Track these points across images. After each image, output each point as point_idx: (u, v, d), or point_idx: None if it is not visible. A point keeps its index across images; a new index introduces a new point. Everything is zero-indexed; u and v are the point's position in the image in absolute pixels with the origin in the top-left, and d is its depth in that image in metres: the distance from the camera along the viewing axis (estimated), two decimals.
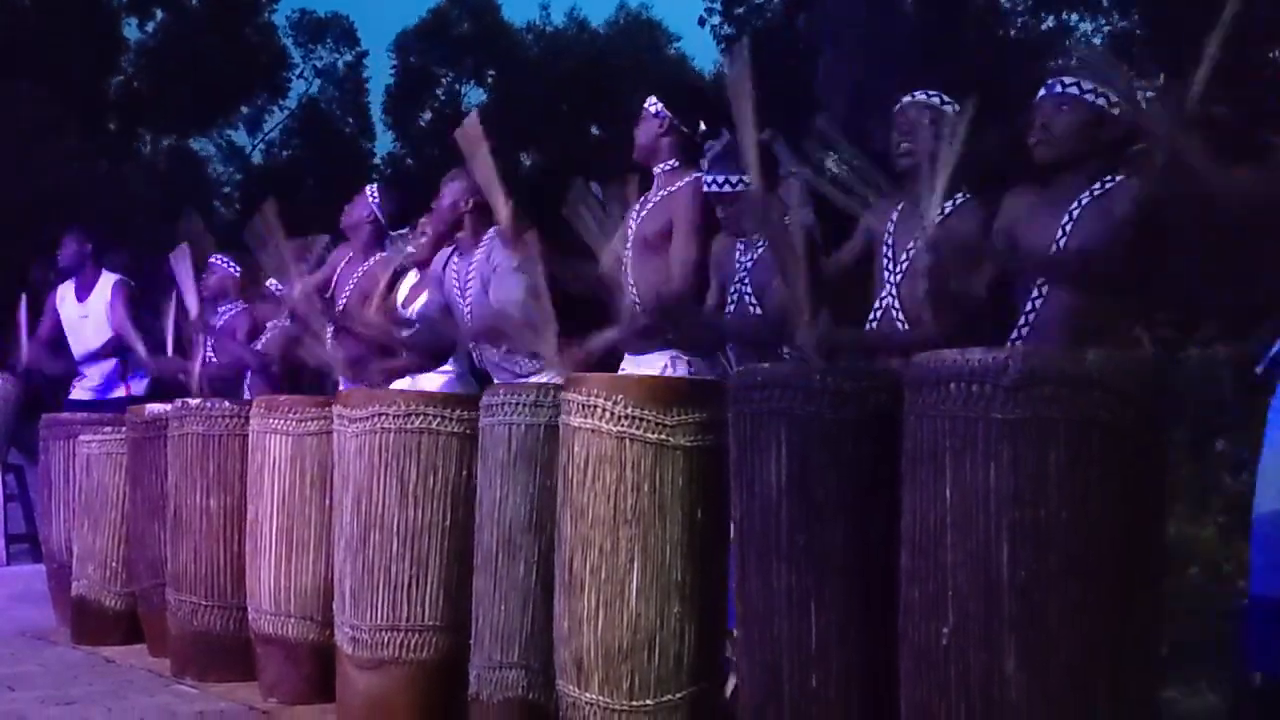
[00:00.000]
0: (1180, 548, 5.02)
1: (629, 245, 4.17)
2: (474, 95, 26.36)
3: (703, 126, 4.18)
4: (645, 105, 4.28)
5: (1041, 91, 3.24)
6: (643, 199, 4.24)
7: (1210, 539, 5.09)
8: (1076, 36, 16.17)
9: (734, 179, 3.78)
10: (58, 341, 6.95)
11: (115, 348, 6.80)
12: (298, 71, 25.58)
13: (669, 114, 4.20)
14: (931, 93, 3.50)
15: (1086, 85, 3.16)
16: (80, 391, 6.90)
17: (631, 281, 4.13)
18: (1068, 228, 3.14)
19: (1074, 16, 16.49)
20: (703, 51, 25.05)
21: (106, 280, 6.88)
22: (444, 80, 26.14)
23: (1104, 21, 16.31)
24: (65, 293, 6.95)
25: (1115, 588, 2.31)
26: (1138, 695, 2.36)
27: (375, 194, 5.52)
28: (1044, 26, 16.45)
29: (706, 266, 4.07)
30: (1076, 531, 2.29)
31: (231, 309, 6.45)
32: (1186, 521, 5.23)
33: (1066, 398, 2.30)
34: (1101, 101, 3.15)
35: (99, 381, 6.86)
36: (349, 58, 26.61)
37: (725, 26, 22.04)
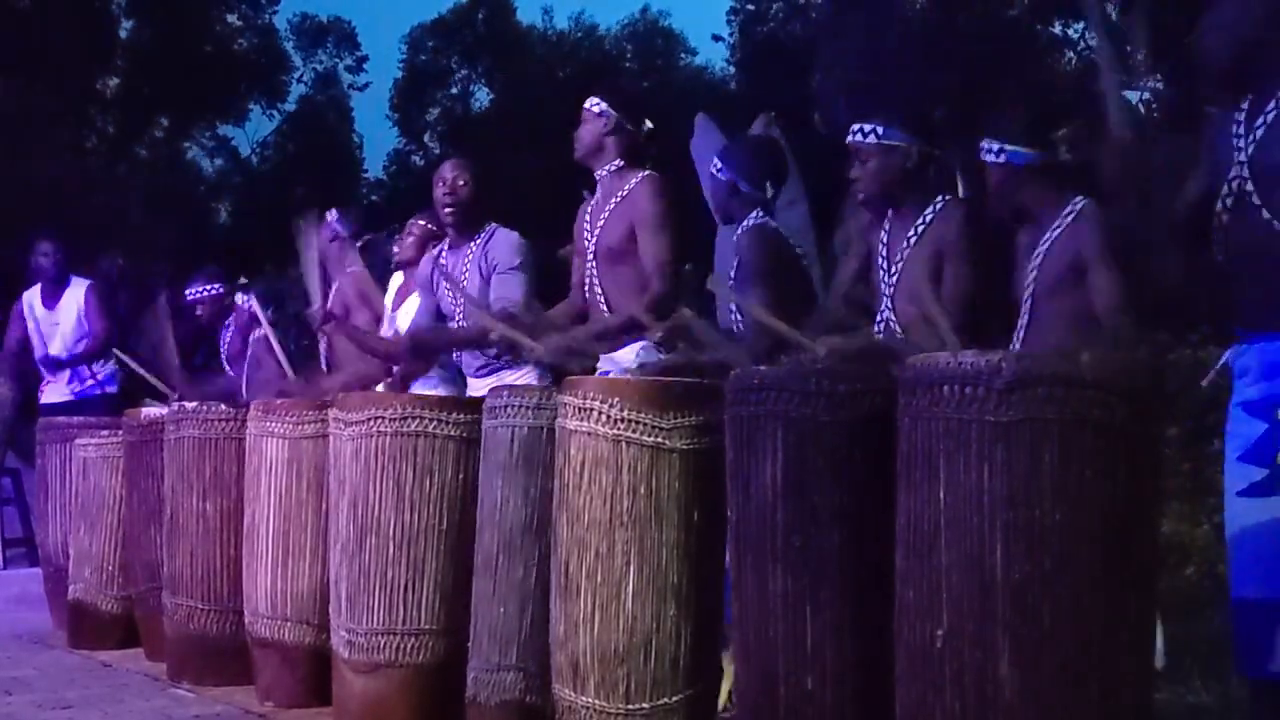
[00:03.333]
0: (1175, 547, 5.03)
1: (592, 256, 4.09)
2: (482, 95, 26.41)
3: (648, 124, 4.14)
4: (587, 105, 4.13)
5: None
6: (592, 206, 4.14)
7: (1205, 538, 5.10)
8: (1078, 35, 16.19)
9: (721, 170, 3.98)
10: (27, 347, 6.93)
11: (93, 352, 6.77)
12: (297, 74, 25.59)
13: (614, 113, 4.07)
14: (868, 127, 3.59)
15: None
16: (52, 394, 6.84)
17: (600, 292, 4.07)
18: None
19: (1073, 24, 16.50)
20: (718, 61, 24.97)
21: (78, 286, 6.85)
22: (456, 78, 26.12)
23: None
24: (32, 299, 6.90)
25: (1109, 588, 2.32)
26: (1132, 695, 2.37)
27: (335, 216, 5.53)
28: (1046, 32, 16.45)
29: (681, 260, 4.01)
30: (1070, 532, 2.29)
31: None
32: (1181, 521, 5.24)
33: (1059, 399, 2.31)
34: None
35: (68, 381, 6.83)
36: (349, 62, 26.61)
37: (737, 41, 22.21)
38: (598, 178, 4.14)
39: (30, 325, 6.88)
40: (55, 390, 6.85)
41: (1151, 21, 2.84)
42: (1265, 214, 2.69)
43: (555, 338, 4.02)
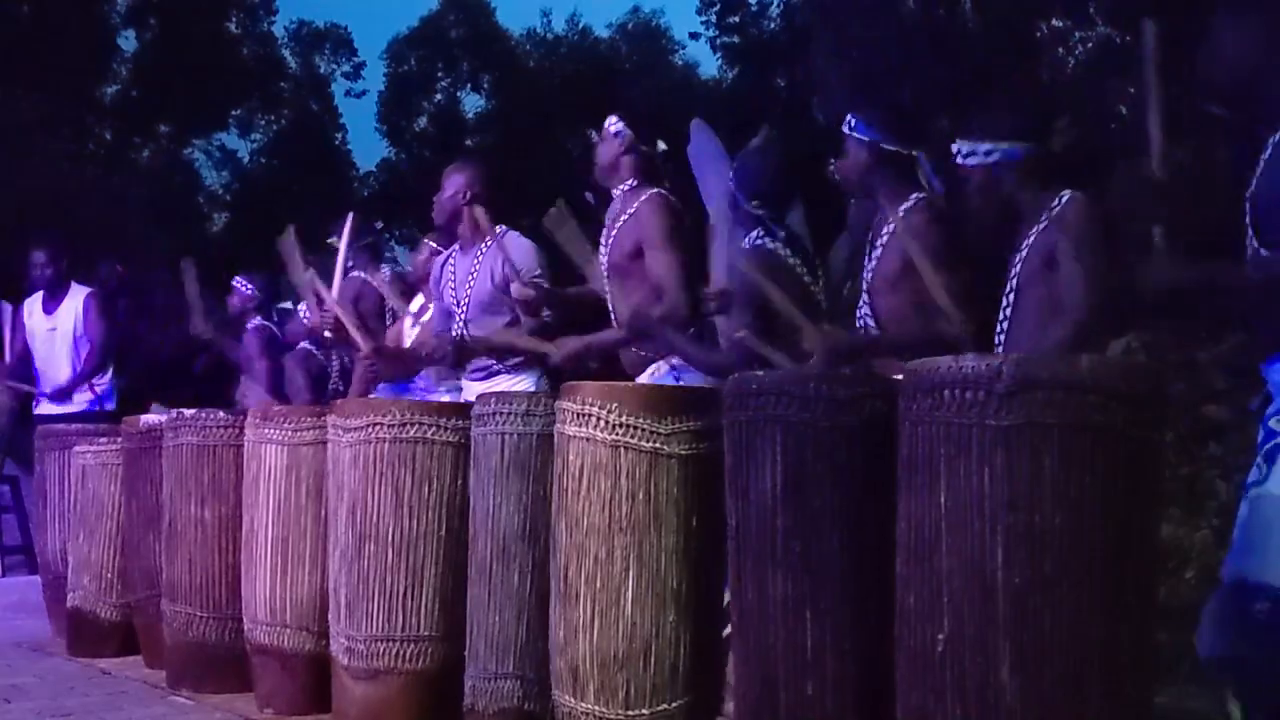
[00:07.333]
0: (1174, 551, 5.02)
1: (606, 271, 4.18)
2: (471, 101, 26.39)
3: (661, 146, 4.20)
4: (605, 125, 4.27)
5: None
6: (609, 222, 4.22)
7: (1205, 542, 5.09)
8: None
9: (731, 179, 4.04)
10: (28, 355, 6.91)
11: (96, 364, 6.74)
12: (295, 81, 25.55)
13: (629, 132, 4.20)
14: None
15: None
16: (47, 406, 6.78)
17: (612, 307, 4.15)
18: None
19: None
20: (708, 59, 25.03)
21: (77, 293, 6.80)
22: (440, 85, 26.11)
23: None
24: (33, 306, 6.86)
25: (1109, 592, 2.32)
26: (1132, 699, 2.36)
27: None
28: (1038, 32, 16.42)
29: (689, 277, 4.07)
30: (1070, 536, 2.29)
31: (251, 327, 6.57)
32: (1180, 525, 5.23)
33: (1059, 403, 2.30)
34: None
35: (70, 395, 6.79)
36: (347, 68, 26.61)
37: (721, 36, 22.17)
38: (614, 195, 4.23)
39: (29, 332, 6.86)
40: (52, 404, 6.81)
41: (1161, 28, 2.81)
42: None
43: (572, 341, 4.12)
